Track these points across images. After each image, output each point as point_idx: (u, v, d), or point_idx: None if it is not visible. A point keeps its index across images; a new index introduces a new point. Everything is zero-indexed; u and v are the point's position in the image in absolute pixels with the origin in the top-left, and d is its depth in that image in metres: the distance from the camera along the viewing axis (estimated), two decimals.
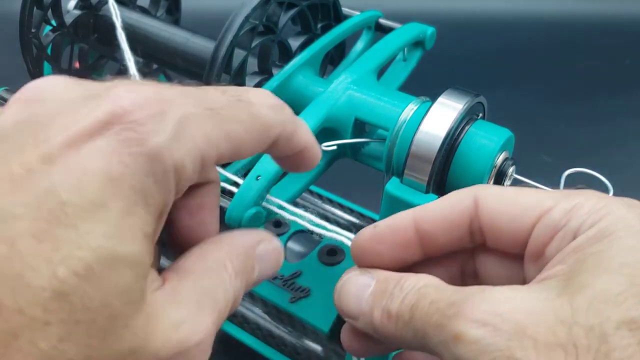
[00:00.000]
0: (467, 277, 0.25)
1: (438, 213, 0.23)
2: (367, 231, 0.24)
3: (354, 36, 0.42)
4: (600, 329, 0.18)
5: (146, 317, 0.17)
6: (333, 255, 0.46)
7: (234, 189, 0.31)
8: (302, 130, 0.23)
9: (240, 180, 0.32)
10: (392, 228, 0.23)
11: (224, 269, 0.21)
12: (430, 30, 0.41)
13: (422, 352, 0.23)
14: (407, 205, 0.29)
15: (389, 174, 0.32)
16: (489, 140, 0.29)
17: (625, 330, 0.18)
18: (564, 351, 0.18)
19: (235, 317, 0.44)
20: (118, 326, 0.16)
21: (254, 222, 0.29)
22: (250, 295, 0.45)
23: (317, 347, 0.42)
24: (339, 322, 0.42)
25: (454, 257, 0.24)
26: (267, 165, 0.29)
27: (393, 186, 0.30)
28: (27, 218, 0.15)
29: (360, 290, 0.23)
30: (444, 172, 0.29)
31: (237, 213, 0.29)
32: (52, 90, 0.18)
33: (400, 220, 0.23)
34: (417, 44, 0.41)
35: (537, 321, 0.18)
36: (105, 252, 0.15)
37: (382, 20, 0.43)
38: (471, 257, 0.24)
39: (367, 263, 0.24)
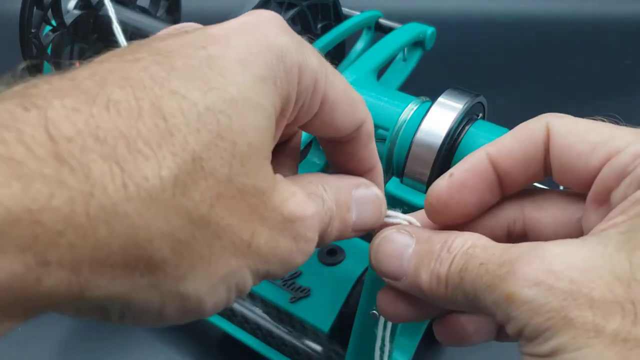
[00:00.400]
0: (514, 236, 0.23)
1: (513, 148, 0.22)
2: (443, 182, 0.22)
3: (354, 36, 0.42)
4: None
5: (271, 175, 0.19)
6: (333, 255, 0.46)
7: None
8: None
9: None
10: (472, 172, 0.22)
11: (319, 190, 0.21)
12: (430, 30, 0.41)
13: (469, 314, 0.23)
14: (408, 205, 0.29)
15: (389, 174, 0.32)
16: (489, 140, 0.29)
17: None
18: (622, 309, 0.17)
19: (235, 317, 0.44)
20: (255, 159, 0.18)
21: None
22: (250, 296, 0.45)
23: (317, 347, 0.42)
24: (339, 322, 0.42)
25: (501, 213, 0.23)
26: None
27: (393, 186, 0.30)
28: (181, 60, 0.17)
29: (400, 249, 0.22)
30: (444, 171, 0.29)
31: None
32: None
33: (478, 161, 0.22)
34: (417, 44, 0.41)
35: (593, 278, 0.17)
36: (247, 94, 0.18)
37: (382, 20, 0.43)
38: (520, 211, 0.23)
39: (447, 217, 0.23)
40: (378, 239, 0.23)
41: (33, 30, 0.39)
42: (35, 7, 0.39)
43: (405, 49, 0.41)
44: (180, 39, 0.18)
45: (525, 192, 0.23)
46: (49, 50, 0.41)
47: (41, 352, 0.48)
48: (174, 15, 0.48)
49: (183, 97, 0.16)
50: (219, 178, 0.17)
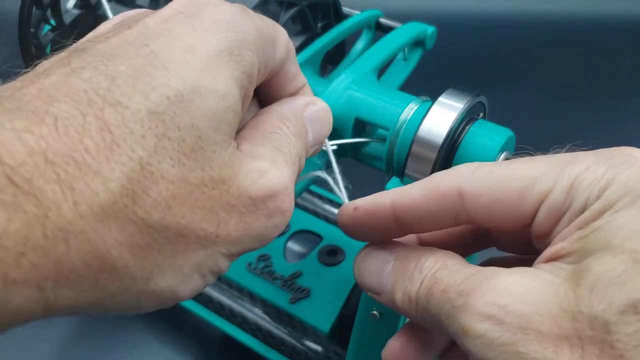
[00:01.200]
0: (479, 236, 0.24)
1: (418, 205, 0.22)
2: (347, 213, 0.23)
3: (354, 36, 0.42)
4: (604, 317, 0.17)
5: (233, 155, 0.19)
6: (333, 255, 0.46)
7: None
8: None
9: None
10: (371, 214, 0.23)
11: (281, 131, 0.22)
12: (430, 29, 0.41)
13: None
14: None
15: (390, 174, 0.32)
16: (490, 140, 0.29)
17: (631, 314, 0.17)
18: (569, 344, 0.17)
19: (235, 318, 0.44)
20: (207, 150, 0.18)
21: None
22: (250, 296, 0.44)
23: (317, 348, 0.42)
24: (339, 322, 0.42)
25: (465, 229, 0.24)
26: None
27: (393, 186, 0.30)
28: (124, 63, 0.17)
29: (381, 266, 0.23)
30: None
31: None
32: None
33: (379, 206, 0.22)
34: (418, 43, 0.41)
35: (542, 311, 0.17)
36: (193, 83, 0.18)
37: (383, 20, 0.43)
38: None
39: (358, 238, 0.24)
40: (362, 254, 0.24)
41: (32, 30, 0.39)
42: (34, 7, 0.39)
43: (406, 48, 0.41)
44: (122, 38, 0.18)
45: None
46: (48, 50, 0.41)
47: (40, 352, 0.48)
48: None
49: (125, 107, 0.17)
50: (172, 179, 0.17)
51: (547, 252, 0.20)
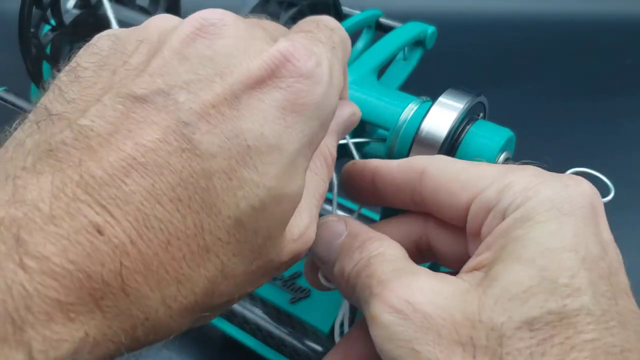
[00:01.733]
0: (421, 249, 0.25)
1: (391, 174, 0.24)
2: (347, 167, 0.26)
3: (354, 35, 0.42)
4: (500, 330, 0.17)
5: (285, 234, 0.20)
6: None
7: None
8: None
9: None
10: (360, 172, 0.25)
11: (325, 168, 0.23)
12: (430, 29, 0.41)
13: None
14: None
15: None
16: (490, 140, 0.29)
17: (526, 330, 0.17)
18: (463, 350, 0.18)
19: (235, 318, 0.44)
20: (269, 245, 0.19)
21: None
22: (250, 296, 0.44)
23: (317, 348, 0.42)
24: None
25: (408, 224, 0.25)
26: None
27: None
28: (221, 157, 0.17)
29: (332, 237, 0.24)
30: None
31: None
32: (227, 26, 0.20)
33: (366, 167, 0.25)
34: (418, 43, 0.41)
35: (445, 316, 0.18)
36: (276, 191, 0.18)
37: (383, 20, 0.43)
38: (424, 228, 0.25)
39: (351, 197, 0.27)
40: (320, 222, 0.25)
41: (32, 30, 0.39)
42: (34, 7, 0.39)
43: (406, 48, 0.41)
44: (219, 110, 0.18)
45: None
46: (48, 50, 0.41)
47: None
48: (173, 14, 0.48)
49: (218, 212, 0.17)
50: (239, 274, 0.19)
51: (471, 262, 0.21)
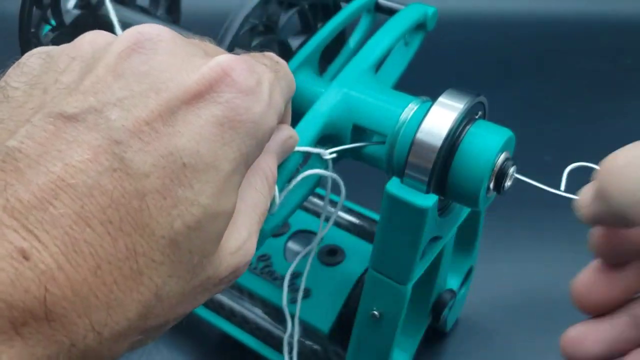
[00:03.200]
0: None
1: None
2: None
3: (354, 23, 0.41)
4: None
5: (220, 251, 0.20)
6: (333, 255, 0.46)
7: None
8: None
9: None
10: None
11: (266, 186, 0.23)
12: (431, 10, 0.39)
13: None
14: (408, 205, 0.29)
15: (390, 174, 0.32)
16: (490, 140, 0.29)
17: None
18: None
19: (235, 317, 0.44)
20: (205, 263, 0.19)
21: (259, 240, 0.29)
22: (250, 296, 0.45)
23: (317, 348, 0.42)
24: (339, 322, 0.42)
25: None
26: None
27: (393, 186, 0.30)
28: (154, 176, 0.17)
29: None
30: (445, 172, 0.29)
31: None
32: (162, 42, 0.19)
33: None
34: (419, 26, 0.40)
35: None
36: (211, 209, 0.18)
37: (382, 1, 0.41)
38: None
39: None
40: None
41: (32, 30, 0.39)
42: (34, 7, 0.39)
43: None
44: (153, 127, 0.18)
45: None
46: None
47: None
48: (173, 15, 0.48)
49: (151, 233, 0.17)
50: (175, 294, 0.18)
51: None
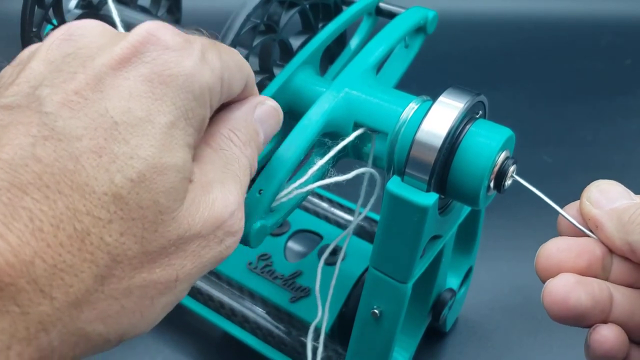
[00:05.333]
0: None
1: None
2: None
3: (356, 23, 0.41)
4: None
5: (187, 208, 0.20)
6: (333, 255, 0.46)
7: None
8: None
9: None
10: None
11: (232, 143, 0.23)
12: (431, 13, 0.39)
13: None
14: (409, 204, 0.29)
15: (390, 173, 0.32)
16: (490, 139, 0.29)
17: None
18: None
19: (235, 317, 0.44)
20: (166, 220, 0.19)
21: (259, 236, 0.29)
22: (251, 295, 0.45)
23: (318, 346, 0.42)
24: (339, 322, 0.42)
25: None
26: (269, 178, 0.29)
27: (394, 185, 0.30)
28: (87, 138, 0.17)
29: None
30: (445, 170, 0.29)
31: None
32: (89, 27, 0.20)
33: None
34: (419, 29, 0.40)
35: None
36: (153, 160, 0.18)
37: (383, 5, 0.41)
38: None
39: None
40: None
41: (34, 30, 0.39)
42: (36, 6, 0.39)
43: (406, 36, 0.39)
44: (79, 93, 0.18)
45: None
46: None
47: None
48: (174, 15, 0.48)
49: (92, 191, 0.17)
50: (134, 255, 0.18)
51: None
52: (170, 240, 0.19)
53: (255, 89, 0.26)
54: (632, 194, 0.25)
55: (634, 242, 0.23)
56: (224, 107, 0.24)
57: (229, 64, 0.22)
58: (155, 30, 0.20)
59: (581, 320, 0.24)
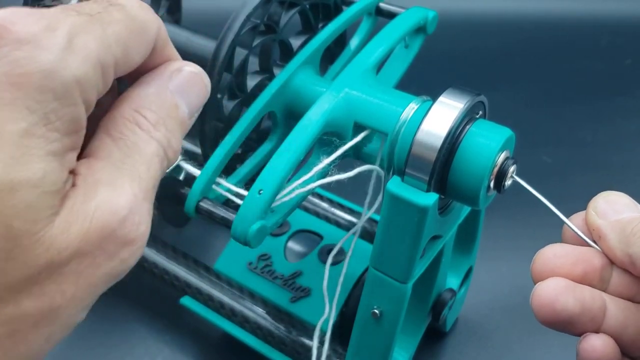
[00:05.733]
0: None
1: None
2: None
3: (357, 23, 0.41)
4: None
5: (60, 224, 0.17)
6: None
7: (237, 200, 0.31)
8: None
9: (243, 192, 0.32)
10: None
11: (137, 128, 0.20)
12: (431, 14, 0.39)
13: None
14: (409, 204, 0.29)
15: (390, 173, 0.32)
16: (490, 139, 0.29)
17: None
18: None
19: (235, 317, 0.44)
20: (27, 244, 0.16)
21: (259, 236, 0.29)
22: (251, 295, 0.45)
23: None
24: (339, 322, 0.42)
25: None
26: (269, 178, 0.29)
27: (394, 185, 0.30)
28: None
29: None
30: (445, 170, 0.29)
31: (242, 228, 0.30)
32: None
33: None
34: (419, 29, 0.40)
35: None
36: (1, 178, 0.16)
37: (383, 5, 0.41)
38: None
39: None
40: None
41: None
42: (36, 6, 0.39)
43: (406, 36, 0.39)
44: None
45: None
46: None
47: None
48: (174, 15, 0.48)
49: None
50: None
51: None
52: (37, 267, 0.16)
53: (171, 50, 0.22)
54: (639, 206, 0.25)
55: (634, 254, 0.23)
56: (135, 77, 0.21)
57: (120, 34, 0.19)
58: (7, 20, 0.16)
59: (569, 326, 0.23)
